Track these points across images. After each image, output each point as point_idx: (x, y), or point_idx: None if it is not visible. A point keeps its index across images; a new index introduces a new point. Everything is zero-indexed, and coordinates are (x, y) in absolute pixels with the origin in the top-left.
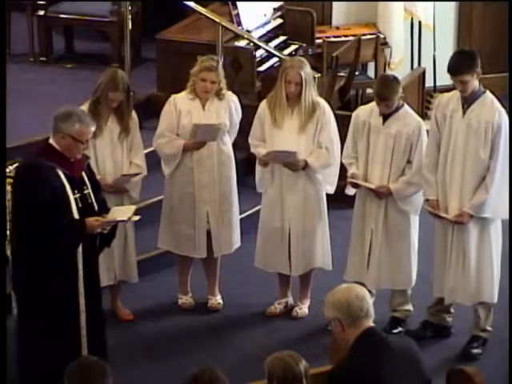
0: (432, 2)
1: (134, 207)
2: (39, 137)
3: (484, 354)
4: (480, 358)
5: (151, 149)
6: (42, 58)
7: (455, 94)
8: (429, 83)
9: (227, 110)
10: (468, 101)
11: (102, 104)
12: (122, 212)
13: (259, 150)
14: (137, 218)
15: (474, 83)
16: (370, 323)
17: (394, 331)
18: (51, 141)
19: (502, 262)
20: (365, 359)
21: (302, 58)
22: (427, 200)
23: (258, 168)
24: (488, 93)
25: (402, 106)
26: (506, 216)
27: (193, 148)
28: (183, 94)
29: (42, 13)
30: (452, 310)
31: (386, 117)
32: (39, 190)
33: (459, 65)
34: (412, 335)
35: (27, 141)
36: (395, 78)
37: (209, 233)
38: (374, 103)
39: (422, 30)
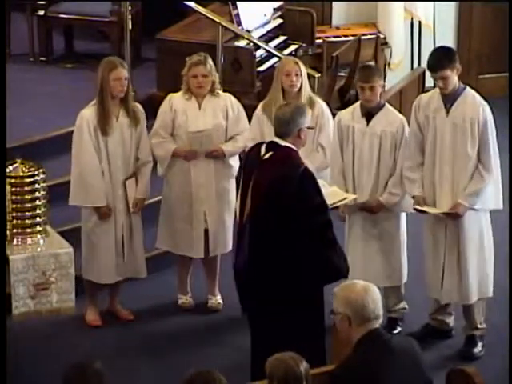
0: (432, 2)
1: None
2: (39, 137)
3: (484, 353)
4: (481, 357)
5: None
6: (41, 58)
7: (435, 93)
8: (429, 83)
9: (224, 109)
10: (450, 99)
11: (108, 99)
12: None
13: None
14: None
15: (454, 79)
16: (376, 325)
17: (394, 332)
18: (287, 144)
19: (502, 262)
20: (366, 360)
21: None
22: (413, 197)
23: None
24: (468, 88)
25: (384, 105)
26: (496, 206)
27: (183, 157)
28: (180, 93)
29: (41, 13)
30: (452, 312)
31: (369, 118)
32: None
33: (439, 60)
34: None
35: (27, 141)
36: (377, 67)
37: (206, 232)
38: (353, 105)
39: (422, 30)
